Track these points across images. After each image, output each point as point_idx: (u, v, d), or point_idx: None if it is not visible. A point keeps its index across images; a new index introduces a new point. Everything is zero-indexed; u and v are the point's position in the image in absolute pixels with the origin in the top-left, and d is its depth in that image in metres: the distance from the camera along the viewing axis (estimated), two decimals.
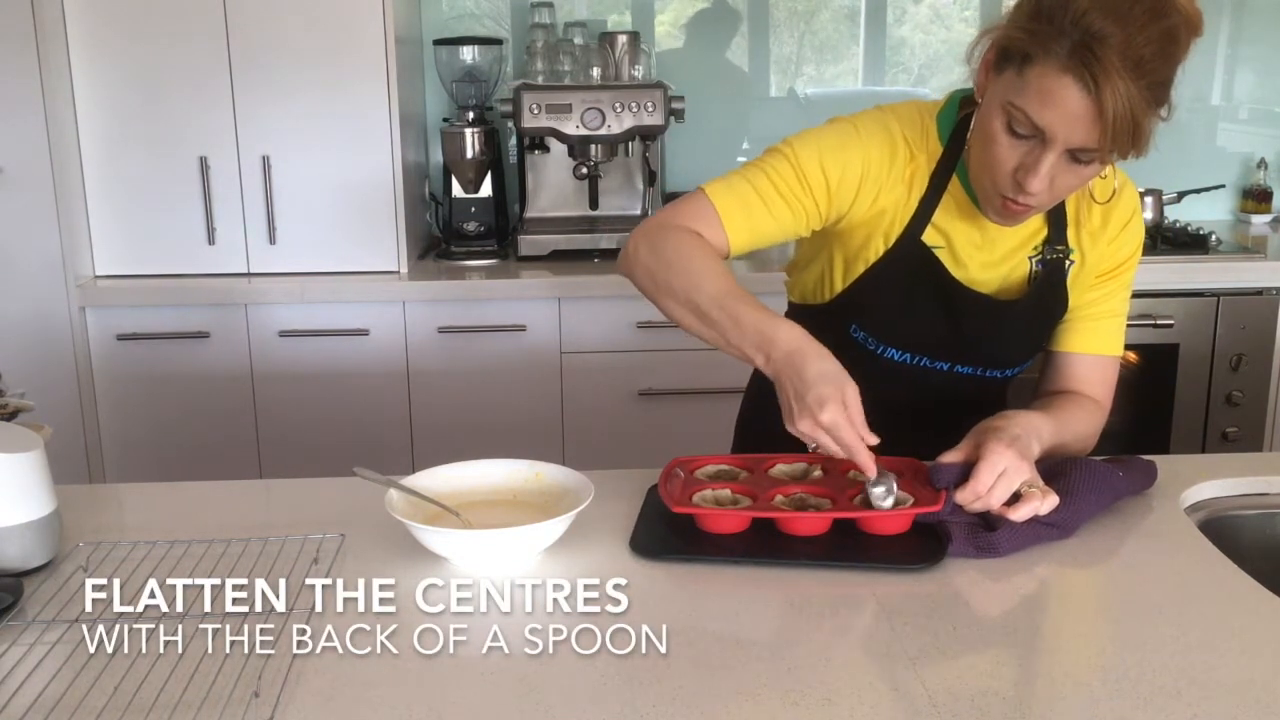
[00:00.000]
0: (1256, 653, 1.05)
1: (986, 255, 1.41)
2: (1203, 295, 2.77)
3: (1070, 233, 1.42)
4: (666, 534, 1.29)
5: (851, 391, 1.23)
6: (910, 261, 1.40)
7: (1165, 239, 2.93)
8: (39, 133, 2.55)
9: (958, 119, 1.38)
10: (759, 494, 1.33)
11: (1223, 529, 1.40)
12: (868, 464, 1.24)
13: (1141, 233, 1.45)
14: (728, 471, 1.41)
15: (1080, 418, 1.43)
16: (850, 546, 1.25)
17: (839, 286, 1.45)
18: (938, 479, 1.29)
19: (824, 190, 1.36)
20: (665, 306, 1.34)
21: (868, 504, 1.29)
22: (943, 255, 1.40)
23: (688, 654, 1.05)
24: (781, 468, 1.40)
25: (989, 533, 1.25)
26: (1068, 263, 1.42)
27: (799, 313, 1.53)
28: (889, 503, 1.26)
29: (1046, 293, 1.43)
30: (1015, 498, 1.25)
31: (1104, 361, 1.47)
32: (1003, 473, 1.24)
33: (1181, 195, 3.08)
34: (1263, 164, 3.28)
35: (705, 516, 1.29)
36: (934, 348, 1.44)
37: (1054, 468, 1.33)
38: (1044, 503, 1.24)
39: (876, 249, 1.40)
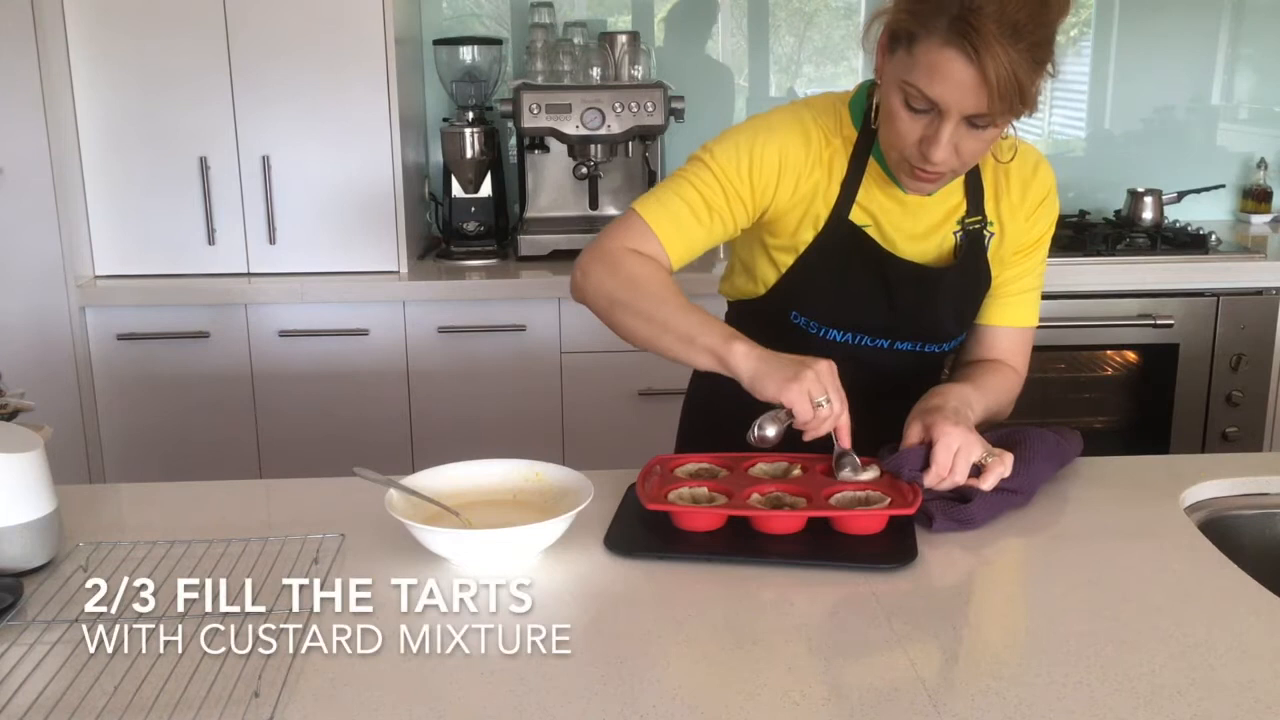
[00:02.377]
0: (1256, 653, 1.05)
1: (911, 229, 1.46)
2: (1203, 295, 2.77)
3: (989, 206, 1.48)
4: (642, 532, 1.29)
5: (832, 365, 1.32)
6: (842, 241, 1.44)
7: (1165, 239, 2.93)
8: (39, 133, 2.55)
9: (868, 104, 1.42)
10: (736, 492, 1.33)
11: (1223, 529, 1.40)
12: (846, 430, 1.32)
13: (1056, 209, 1.53)
14: (708, 470, 1.41)
15: (1001, 385, 1.50)
16: (825, 545, 1.25)
17: (773, 278, 1.49)
18: (902, 471, 1.32)
19: (748, 188, 1.41)
20: (622, 322, 1.40)
21: (844, 502, 1.31)
22: (872, 232, 1.45)
23: (688, 654, 1.05)
24: (762, 467, 1.41)
25: (964, 505, 1.31)
26: (987, 234, 1.48)
27: (738, 310, 1.58)
28: (865, 475, 1.34)
29: (970, 263, 1.48)
30: (976, 470, 1.32)
31: (1023, 333, 1.55)
32: (958, 450, 1.31)
33: (1181, 195, 3.08)
34: (1263, 164, 3.28)
35: (680, 514, 1.29)
36: (872, 325, 1.48)
37: (1008, 436, 1.41)
38: (1004, 466, 1.32)
39: (806, 236, 1.45)
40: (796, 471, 1.39)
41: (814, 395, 1.27)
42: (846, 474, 1.34)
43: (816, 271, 1.46)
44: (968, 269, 1.48)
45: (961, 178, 1.45)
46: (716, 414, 1.55)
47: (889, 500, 1.29)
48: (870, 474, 1.35)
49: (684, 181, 1.42)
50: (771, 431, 1.30)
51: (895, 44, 1.29)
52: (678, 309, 1.37)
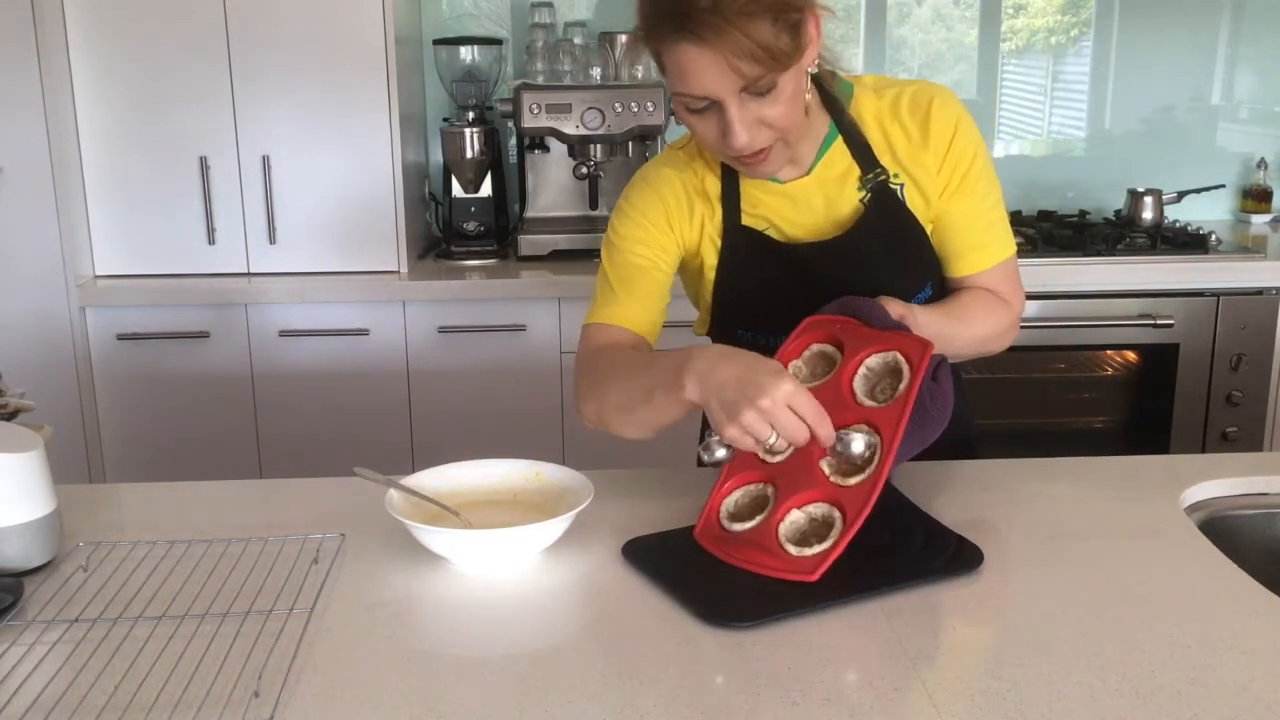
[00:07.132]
0: (1256, 653, 1.05)
1: (807, 217, 1.44)
2: (1203, 295, 2.77)
3: (885, 159, 1.42)
4: (735, 597, 1.15)
5: (788, 377, 1.18)
6: (745, 247, 1.45)
7: (1165, 239, 2.93)
8: (39, 133, 2.55)
9: None
10: (797, 479, 1.23)
11: (1223, 529, 1.40)
12: (828, 435, 1.18)
13: (973, 137, 1.42)
14: (747, 505, 1.28)
15: (977, 305, 1.45)
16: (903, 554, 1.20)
17: (708, 300, 1.51)
18: (880, 319, 1.27)
19: (657, 240, 1.45)
20: (612, 420, 1.38)
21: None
22: (770, 234, 1.45)
23: (688, 653, 1.05)
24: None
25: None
26: (894, 185, 1.43)
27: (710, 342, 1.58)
28: (859, 445, 1.18)
29: (882, 216, 1.42)
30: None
31: (1001, 267, 1.47)
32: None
33: (1181, 195, 3.08)
34: (1263, 164, 3.28)
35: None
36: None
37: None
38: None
39: (712, 255, 1.46)
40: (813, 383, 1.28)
41: (759, 434, 1.16)
42: (855, 449, 1.19)
43: (735, 283, 1.46)
44: (878, 220, 1.41)
45: (840, 141, 1.41)
46: None
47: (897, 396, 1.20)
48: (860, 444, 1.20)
49: (600, 272, 1.48)
50: (722, 453, 1.22)
51: (660, 65, 1.30)
52: (632, 372, 1.35)
